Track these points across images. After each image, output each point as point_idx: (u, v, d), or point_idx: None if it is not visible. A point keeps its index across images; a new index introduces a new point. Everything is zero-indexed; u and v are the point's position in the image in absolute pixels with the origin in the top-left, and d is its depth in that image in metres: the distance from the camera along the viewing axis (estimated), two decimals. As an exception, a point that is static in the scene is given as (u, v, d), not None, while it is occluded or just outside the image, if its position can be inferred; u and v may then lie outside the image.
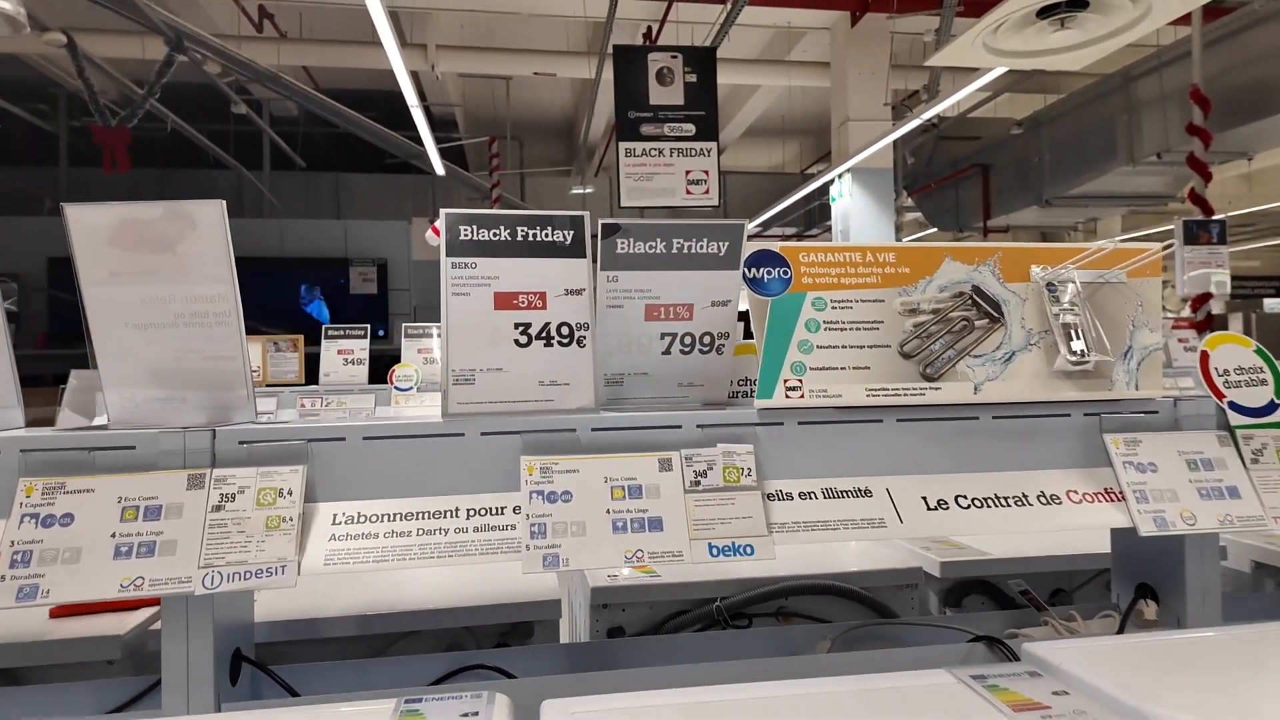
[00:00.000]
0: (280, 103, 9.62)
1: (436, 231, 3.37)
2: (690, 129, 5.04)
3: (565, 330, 1.16)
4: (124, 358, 1.13)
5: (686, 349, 1.24)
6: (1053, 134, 6.58)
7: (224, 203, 1.10)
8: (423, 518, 1.06)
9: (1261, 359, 1.33)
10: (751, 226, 9.79)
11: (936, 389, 1.21)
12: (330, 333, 3.78)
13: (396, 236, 9.63)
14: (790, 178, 11.49)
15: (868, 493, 1.17)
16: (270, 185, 10.29)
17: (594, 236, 1.20)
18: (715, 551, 1.07)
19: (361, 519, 1.05)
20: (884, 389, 1.19)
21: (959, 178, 7.69)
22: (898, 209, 7.05)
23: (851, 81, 6.74)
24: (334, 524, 1.04)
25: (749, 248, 1.21)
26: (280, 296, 8.95)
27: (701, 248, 1.19)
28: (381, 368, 3.97)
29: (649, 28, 7.41)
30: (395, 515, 1.06)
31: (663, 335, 1.22)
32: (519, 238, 1.18)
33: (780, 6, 6.55)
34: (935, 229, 8.52)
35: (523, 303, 1.16)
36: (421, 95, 9.85)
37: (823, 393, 1.17)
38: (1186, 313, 4.65)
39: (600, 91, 7.18)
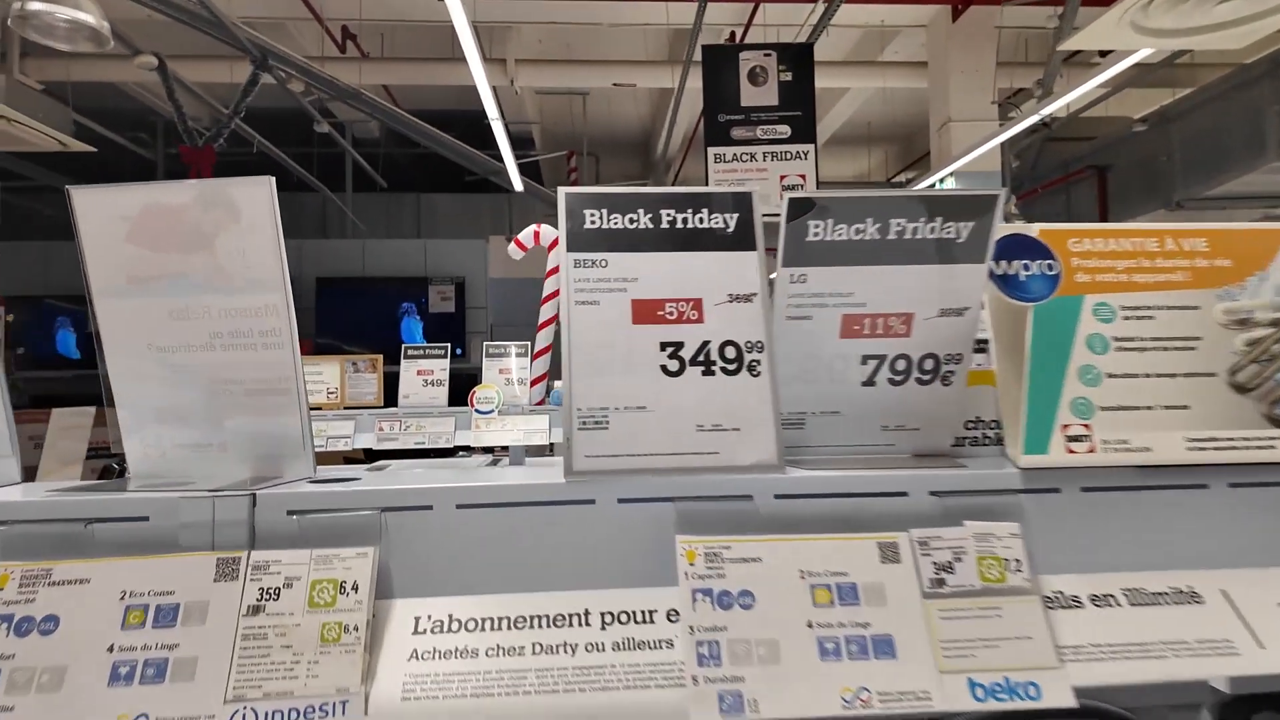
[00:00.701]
0: (363, 125, 9.75)
1: (521, 245, 3.05)
2: (785, 130, 4.68)
3: (731, 352, 0.82)
4: (146, 390, 0.85)
5: (898, 377, 0.88)
6: (1184, 130, 5.91)
7: (273, 180, 0.81)
8: (539, 624, 0.73)
9: None
10: (837, 239, 9.32)
11: (1290, 438, 0.81)
12: (410, 352, 3.57)
13: (474, 255, 9.56)
14: (876, 186, 10.93)
15: (1195, 596, 0.77)
16: (353, 206, 10.42)
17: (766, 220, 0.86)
18: (981, 693, 0.70)
19: (455, 626, 0.73)
20: (1212, 439, 0.80)
21: (1071, 180, 7.04)
22: (1007, 215, 6.43)
23: (953, 80, 6.24)
24: (416, 633, 0.72)
25: (999, 231, 0.84)
26: (362, 317, 8.97)
27: (933, 230, 0.83)
28: (458, 387, 3.73)
29: (732, 32, 7.10)
30: (502, 621, 0.73)
31: (865, 358, 0.87)
32: (664, 224, 0.85)
33: (875, 3, 6.14)
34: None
35: (671, 314, 0.83)
36: (500, 113, 9.83)
37: (1121, 444, 0.79)
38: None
39: (680, 100, 6.90)
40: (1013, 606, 0.74)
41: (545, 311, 3.75)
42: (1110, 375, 0.81)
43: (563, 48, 8.33)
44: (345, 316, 9.11)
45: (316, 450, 2.96)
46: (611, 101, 9.68)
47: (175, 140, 6.30)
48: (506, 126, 10.15)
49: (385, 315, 8.99)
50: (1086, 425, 0.79)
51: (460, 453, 3.85)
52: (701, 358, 0.82)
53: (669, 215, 0.85)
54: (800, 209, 0.81)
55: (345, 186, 9.95)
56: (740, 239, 0.85)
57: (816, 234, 0.82)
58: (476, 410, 3.59)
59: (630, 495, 0.77)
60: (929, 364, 0.87)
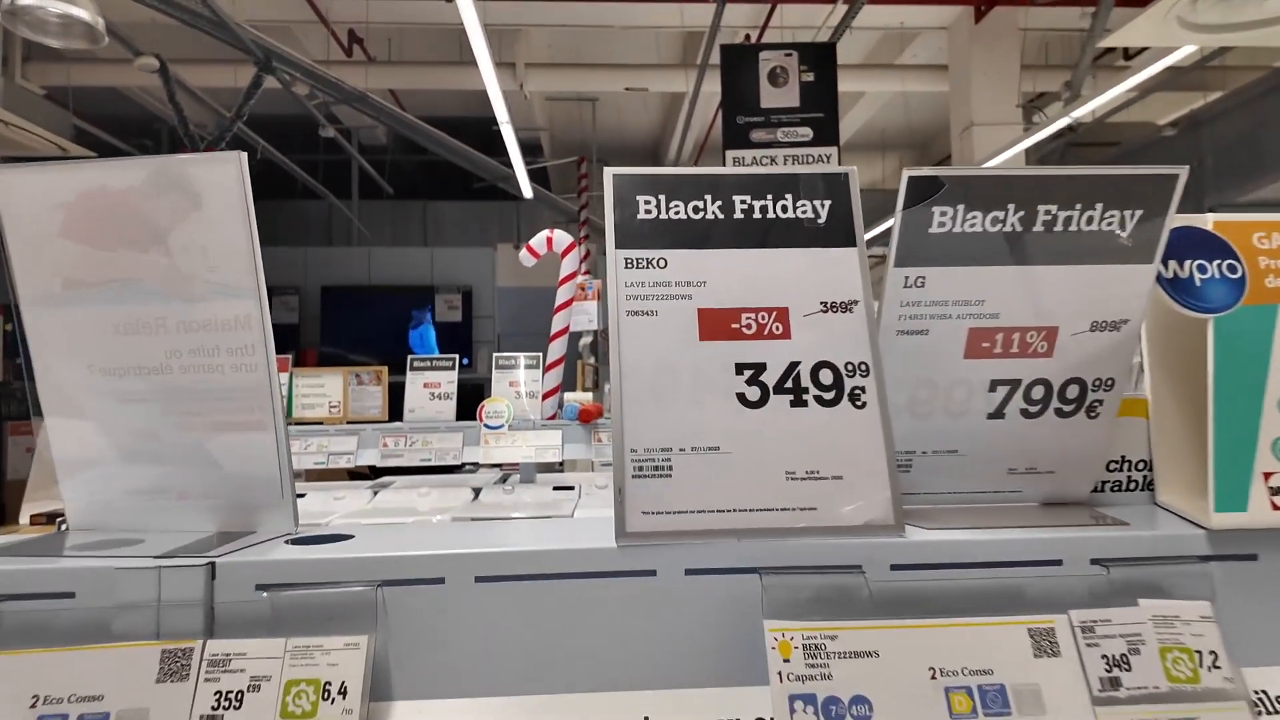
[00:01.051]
0: (369, 131, 9.63)
1: (533, 251, 2.85)
2: (807, 133, 4.50)
3: (827, 376, 0.64)
4: (86, 423, 0.68)
5: (1034, 408, 0.70)
6: (1216, 134, 5.72)
7: (243, 156, 0.64)
8: (586, 739, 0.55)
9: None
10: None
11: None
12: (416, 364, 3.39)
13: (482, 263, 9.42)
14: (890, 195, 10.75)
15: None
16: (359, 213, 10.30)
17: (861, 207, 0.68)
18: (1192, 846, 0.51)
19: (473, 743, 0.55)
20: None
21: (1097, 187, 6.84)
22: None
23: (976, 83, 6.07)
24: (422, 752, 0.54)
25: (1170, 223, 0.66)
26: (368, 326, 8.83)
27: (1090, 221, 0.65)
28: (464, 397, 3.57)
29: (747, 35, 6.95)
30: (536, 736, 0.55)
31: (994, 384, 0.69)
32: (738, 214, 0.67)
33: (894, 4, 5.98)
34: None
35: (749, 327, 0.65)
36: (509, 118, 9.70)
37: (1336, 498, 0.61)
38: None
39: (694, 105, 6.74)
40: (1212, 717, 0.55)
41: (558, 322, 3.58)
42: (1320, 408, 0.62)
43: (573, 51, 8.20)
44: (351, 326, 8.98)
45: (318, 468, 2.71)
46: (621, 108, 9.54)
47: (180, 146, 6.20)
48: (516, 132, 10.04)
49: (392, 324, 8.84)
50: (1295, 473, 0.61)
51: (467, 467, 3.67)
52: (789, 384, 0.64)
53: (744, 202, 0.67)
54: (923, 190, 0.63)
55: (351, 193, 9.82)
56: (836, 232, 0.67)
57: (943, 224, 0.64)
58: (486, 425, 3.42)
59: (701, 565, 0.60)
60: (1072, 391, 0.69)
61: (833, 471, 0.62)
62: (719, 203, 0.67)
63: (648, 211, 0.66)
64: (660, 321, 0.64)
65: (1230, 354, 0.63)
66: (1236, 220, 0.67)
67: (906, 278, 0.65)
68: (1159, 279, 0.65)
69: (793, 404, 0.63)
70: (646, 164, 11.51)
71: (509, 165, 6.85)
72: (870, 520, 0.61)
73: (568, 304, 3.56)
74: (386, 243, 10.67)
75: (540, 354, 3.77)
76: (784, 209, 0.67)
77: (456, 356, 3.50)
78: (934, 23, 6.45)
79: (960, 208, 0.63)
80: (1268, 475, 0.61)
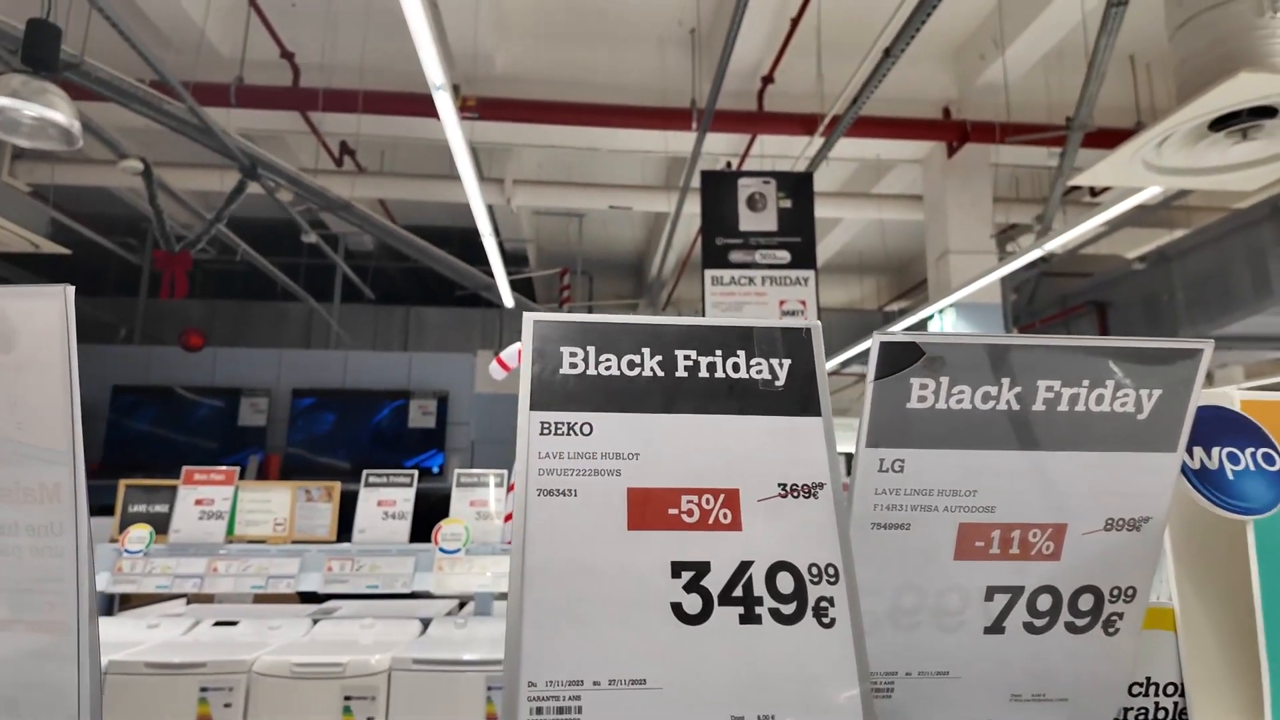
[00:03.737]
0: (357, 237, 9.79)
1: (503, 364, 2.72)
2: (785, 256, 4.56)
3: (787, 583, 0.51)
4: None
5: (1040, 621, 0.56)
6: (1185, 270, 5.89)
7: (69, 291, 0.53)
8: None
9: None
10: (834, 363, 9.18)
11: None
12: (371, 480, 3.21)
13: (461, 369, 9.32)
14: (869, 315, 10.95)
15: None
16: (341, 316, 10.29)
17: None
18: None
19: None
20: None
21: (1070, 316, 6.98)
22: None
23: (951, 213, 6.28)
24: None
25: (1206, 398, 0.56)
26: (337, 429, 8.61)
27: (1101, 399, 0.54)
28: (429, 509, 3.35)
29: (728, 161, 7.22)
30: None
31: (991, 591, 0.56)
32: (681, 372, 0.56)
33: (870, 138, 6.26)
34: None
35: (690, 514, 0.52)
36: (495, 231, 9.92)
37: None
38: None
39: (675, 225, 6.91)
40: None
41: None
42: (1400, 640, 0.50)
43: (562, 169, 8.48)
44: (319, 429, 8.76)
45: (257, 591, 2.47)
46: (607, 223, 9.79)
47: (155, 248, 6.21)
48: (501, 244, 10.23)
49: (362, 428, 8.63)
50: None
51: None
52: (739, 592, 0.50)
53: (689, 358, 0.56)
54: (898, 358, 0.52)
55: (334, 297, 9.84)
56: (796, 397, 0.56)
57: (924, 399, 0.53)
58: (441, 549, 3.19)
59: None
60: (1086, 602, 0.56)
61: (792, 713, 0.48)
62: (659, 357, 0.56)
63: (573, 366, 0.54)
64: (580, 504, 0.51)
65: (1276, 561, 0.51)
66: (1268, 400, 0.57)
67: (882, 461, 0.53)
68: (1185, 470, 0.54)
69: (743, 619, 0.50)
70: (631, 278, 11.72)
71: (492, 275, 6.89)
72: (842, 784, 0.46)
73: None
74: (367, 346, 10.62)
75: (507, 470, 3.58)
76: (735, 367, 0.56)
77: (415, 473, 3.31)
78: (909, 156, 6.75)
79: (944, 380, 0.52)
80: (1349, 733, 0.47)
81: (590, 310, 10.06)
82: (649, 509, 0.52)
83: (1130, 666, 0.59)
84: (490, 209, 8.39)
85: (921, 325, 6.56)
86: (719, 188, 4.64)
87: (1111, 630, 0.57)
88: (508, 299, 6.81)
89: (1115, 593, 0.56)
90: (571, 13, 6.10)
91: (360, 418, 8.80)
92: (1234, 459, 0.54)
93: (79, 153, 5.42)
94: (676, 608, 0.49)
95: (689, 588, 0.50)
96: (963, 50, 6.22)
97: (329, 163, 7.19)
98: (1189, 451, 0.54)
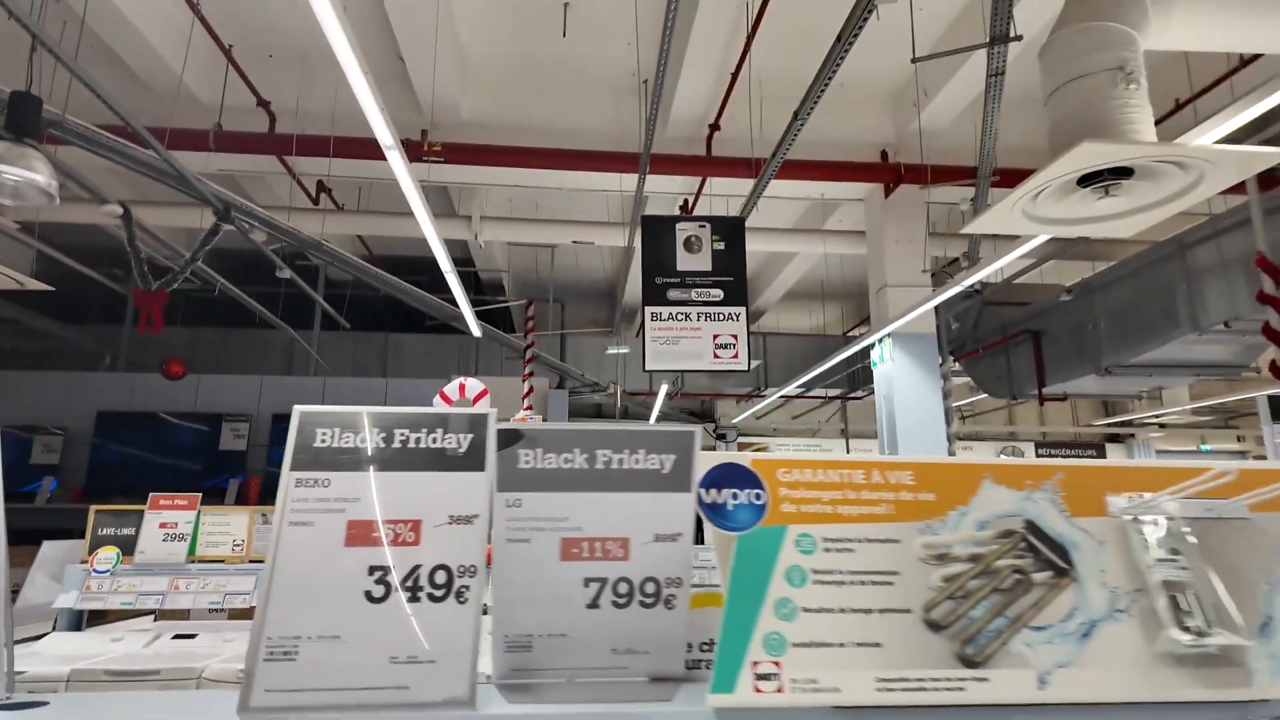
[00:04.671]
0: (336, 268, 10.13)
1: (445, 398, 3.11)
2: (718, 294, 4.92)
3: (442, 576, 0.83)
4: None
5: (621, 600, 0.89)
6: (1106, 301, 6.28)
7: None
8: None
9: None
10: (792, 388, 9.52)
11: (982, 679, 0.82)
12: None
13: (435, 394, 9.63)
14: (832, 340, 11.33)
15: None
16: (322, 343, 10.60)
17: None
18: None
19: None
20: (902, 679, 0.81)
21: (1009, 343, 7.36)
22: (945, 374, 6.72)
23: (889, 249, 6.67)
24: None
25: (709, 460, 0.89)
26: (312, 453, 8.87)
27: (638, 461, 0.88)
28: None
29: (685, 200, 7.61)
30: None
31: (587, 581, 0.88)
32: (395, 444, 0.89)
33: (813, 180, 6.66)
34: (986, 394, 8.09)
35: (387, 536, 0.85)
36: (470, 262, 10.27)
37: (811, 684, 0.80)
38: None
39: (635, 258, 7.27)
40: None
41: None
42: (806, 610, 0.83)
43: (531, 206, 8.87)
44: (298, 453, 9.00)
45: (214, 608, 2.81)
46: (579, 254, 10.18)
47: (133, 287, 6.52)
48: (476, 275, 10.57)
49: (338, 454, 8.89)
50: (777, 663, 0.80)
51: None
52: (410, 583, 0.83)
53: (402, 434, 0.89)
54: (509, 439, 0.85)
55: (313, 324, 10.14)
56: (472, 459, 0.89)
57: (528, 462, 0.86)
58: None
59: (309, 733, 0.76)
60: (649, 588, 0.89)
61: (429, 656, 0.80)
62: (381, 433, 0.89)
63: (322, 440, 0.87)
64: (315, 531, 0.84)
65: (745, 564, 0.84)
66: (768, 459, 0.90)
67: (508, 500, 0.86)
68: (701, 503, 0.87)
69: (410, 599, 0.82)
70: (603, 305, 12.11)
71: (492, 303, 7.22)
72: (450, 697, 0.79)
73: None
74: (347, 373, 10.92)
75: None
76: (434, 440, 0.89)
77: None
78: (851, 195, 7.16)
79: (539, 450, 0.85)
80: (756, 664, 0.80)
81: (562, 340, 10.40)
82: (359, 533, 0.84)
83: (685, 630, 0.91)
84: (464, 243, 8.77)
85: (866, 352, 6.92)
86: (659, 231, 5.01)
87: (670, 606, 0.90)
88: (475, 329, 7.14)
89: (668, 581, 0.89)
90: (532, 64, 6.51)
91: None
92: (735, 496, 0.87)
93: (65, 192, 5.75)
94: (367, 593, 0.82)
95: (378, 581, 0.83)
96: (898, 97, 6.65)
97: (306, 201, 7.53)
98: (706, 490, 0.87)
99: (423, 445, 0.89)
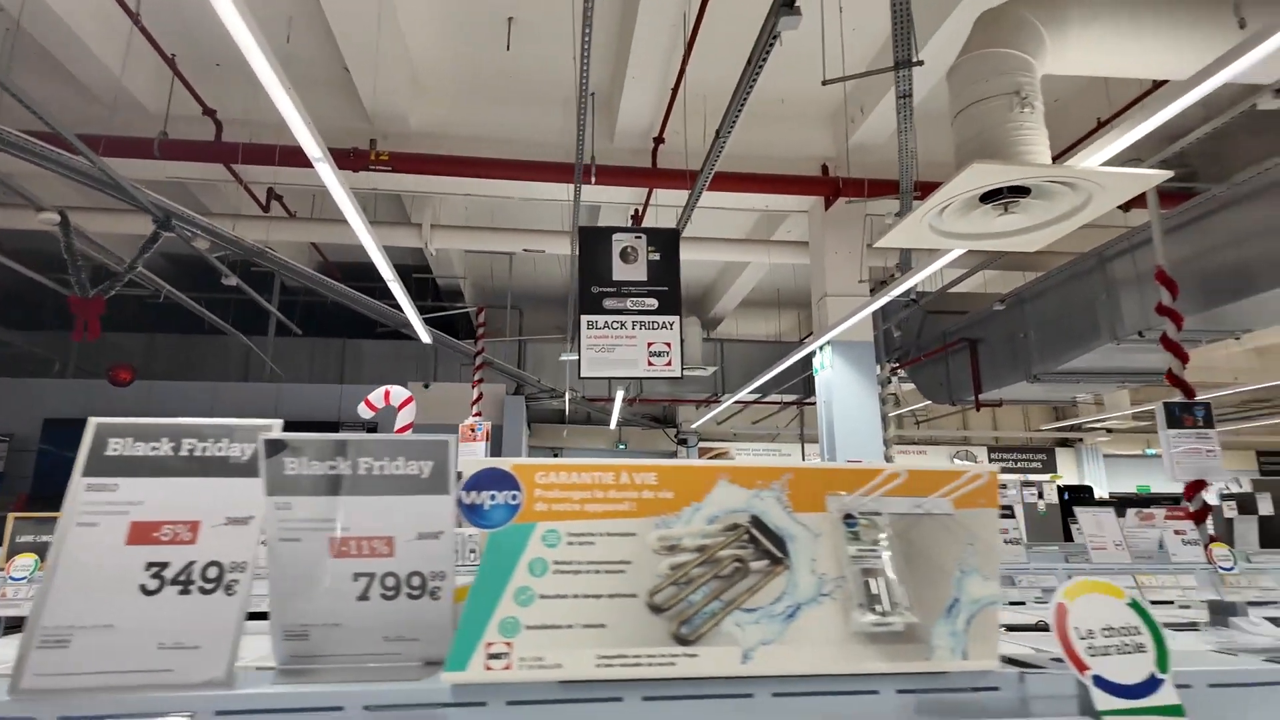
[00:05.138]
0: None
1: (370, 405, 3.21)
2: (653, 303, 5.04)
3: (213, 572, 0.93)
4: None
5: (390, 593, 0.99)
6: (1035, 311, 6.52)
7: None
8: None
9: (1138, 615, 1.04)
10: (744, 393, 9.67)
11: (692, 655, 0.93)
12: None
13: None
14: (788, 346, 11.52)
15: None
16: (280, 350, 10.58)
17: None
18: None
19: None
20: (620, 656, 0.92)
21: (948, 351, 7.59)
22: (890, 380, 6.93)
23: (829, 260, 6.85)
24: None
25: (474, 466, 1.00)
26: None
27: (399, 467, 0.98)
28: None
29: (636, 210, 7.74)
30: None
31: (356, 576, 0.99)
32: (183, 453, 0.98)
33: (755, 193, 6.83)
34: (929, 401, 8.31)
35: (166, 535, 0.94)
36: (427, 268, 10.31)
37: (537, 661, 0.91)
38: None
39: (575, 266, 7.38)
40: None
41: None
42: (543, 596, 0.93)
43: (488, 215, 8.95)
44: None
45: None
46: (536, 261, 10.25)
47: (93, 283, 6.50)
48: (434, 281, 10.60)
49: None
50: (509, 643, 0.90)
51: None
52: (183, 577, 0.92)
53: (190, 444, 0.98)
54: (276, 447, 0.95)
55: (268, 330, 10.11)
56: (249, 468, 0.99)
57: (293, 469, 0.96)
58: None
59: (77, 714, 0.85)
60: (416, 581, 0.99)
61: (193, 643, 0.90)
62: (171, 443, 0.98)
63: (115, 449, 0.97)
64: (100, 531, 0.93)
65: (494, 557, 0.95)
66: (529, 464, 1.01)
67: (278, 502, 0.96)
68: (461, 504, 0.97)
69: (181, 592, 0.92)
70: (562, 310, 12.16)
71: (426, 310, 7.28)
72: (210, 679, 0.88)
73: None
74: (304, 379, 10.88)
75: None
76: (220, 450, 0.99)
77: None
78: (795, 207, 7.34)
79: (304, 458, 0.95)
80: (489, 644, 0.90)
81: (519, 346, 10.47)
82: (141, 532, 0.94)
83: (450, 618, 1.02)
84: (419, 251, 8.81)
85: (809, 359, 7.09)
86: (595, 242, 5.12)
87: (436, 597, 1.00)
88: (424, 335, 7.19)
89: (433, 574, 1.00)
90: (482, 77, 6.60)
91: None
92: (493, 497, 0.98)
93: (8, 198, 5.72)
94: (141, 586, 0.91)
95: (154, 576, 0.92)
96: (837, 114, 6.85)
97: (257, 208, 7.55)
98: (467, 492, 0.98)
99: (208, 454, 0.99)
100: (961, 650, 0.98)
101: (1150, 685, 0.99)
